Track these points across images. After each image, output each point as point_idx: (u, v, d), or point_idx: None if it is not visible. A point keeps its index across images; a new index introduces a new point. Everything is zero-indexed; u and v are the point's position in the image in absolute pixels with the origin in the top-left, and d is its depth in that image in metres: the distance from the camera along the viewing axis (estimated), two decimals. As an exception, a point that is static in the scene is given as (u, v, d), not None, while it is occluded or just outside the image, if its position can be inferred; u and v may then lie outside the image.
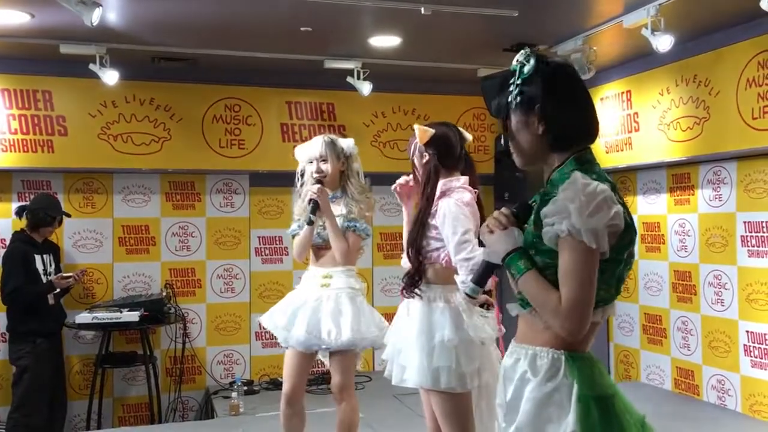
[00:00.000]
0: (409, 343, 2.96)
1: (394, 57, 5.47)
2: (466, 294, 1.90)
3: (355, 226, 3.53)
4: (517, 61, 1.88)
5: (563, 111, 1.85)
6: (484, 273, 1.92)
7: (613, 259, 1.78)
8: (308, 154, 3.66)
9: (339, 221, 3.54)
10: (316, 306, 3.54)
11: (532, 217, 1.82)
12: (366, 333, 3.49)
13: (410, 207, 3.17)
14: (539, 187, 1.96)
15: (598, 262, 1.72)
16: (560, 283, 1.73)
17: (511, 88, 1.87)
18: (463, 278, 2.87)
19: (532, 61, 1.85)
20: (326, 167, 3.60)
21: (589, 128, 1.91)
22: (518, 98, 1.85)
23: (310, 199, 3.51)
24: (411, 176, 3.15)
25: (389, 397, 5.34)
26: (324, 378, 5.73)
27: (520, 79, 1.86)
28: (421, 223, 2.96)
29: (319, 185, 3.54)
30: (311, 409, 4.03)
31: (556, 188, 1.79)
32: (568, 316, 1.70)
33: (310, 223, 3.49)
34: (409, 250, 2.98)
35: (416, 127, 3.06)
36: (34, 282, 5.08)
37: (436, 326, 2.91)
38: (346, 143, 3.69)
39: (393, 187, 3.20)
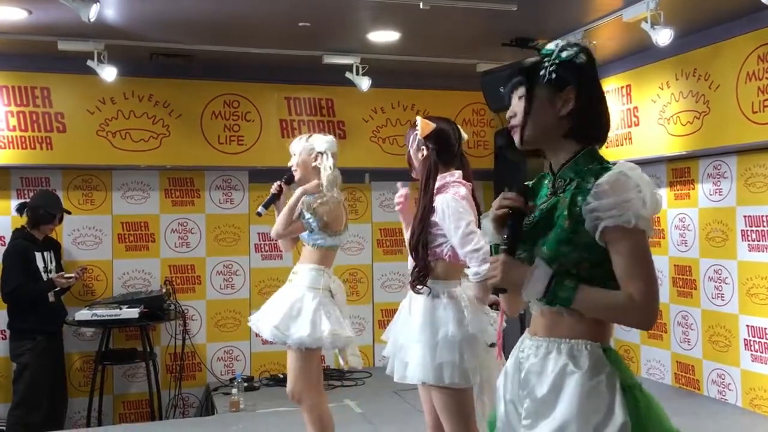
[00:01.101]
0: (411, 339, 2.94)
1: (393, 52, 5.46)
2: (496, 289, 1.83)
3: (302, 212, 3.61)
4: (556, 44, 1.87)
5: (592, 103, 1.86)
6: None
7: None
8: (290, 150, 3.80)
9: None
10: (271, 300, 3.70)
11: (565, 212, 1.77)
12: (289, 331, 3.48)
13: (410, 219, 3.11)
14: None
15: None
16: (627, 275, 1.70)
17: (545, 64, 1.84)
18: (476, 269, 2.86)
19: (575, 49, 1.85)
20: (294, 161, 3.71)
21: (607, 129, 1.91)
22: (552, 75, 1.82)
23: (269, 198, 3.72)
24: (405, 189, 3.14)
25: (389, 393, 5.34)
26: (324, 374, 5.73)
27: (558, 60, 1.84)
28: (425, 220, 2.95)
29: (278, 182, 3.71)
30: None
31: (586, 182, 1.77)
32: (648, 307, 1.70)
33: (258, 215, 3.71)
34: (415, 247, 2.96)
35: (419, 119, 3.06)
36: (34, 280, 5.08)
37: (439, 322, 2.90)
38: (321, 139, 3.71)
39: (396, 201, 3.18)
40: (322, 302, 3.58)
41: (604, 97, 1.91)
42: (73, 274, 5.19)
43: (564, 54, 1.84)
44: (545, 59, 1.85)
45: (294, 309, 3.53)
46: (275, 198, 3.72)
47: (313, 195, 3.64)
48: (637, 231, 1.69)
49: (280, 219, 3.65)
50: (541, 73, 1.84)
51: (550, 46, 1.88)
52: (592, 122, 1.86)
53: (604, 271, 1.74)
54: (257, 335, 6.11)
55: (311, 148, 3.68)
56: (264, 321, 3.61)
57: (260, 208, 3.71)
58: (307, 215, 3.58)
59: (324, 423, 3.62)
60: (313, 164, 3.67)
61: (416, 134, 3.05)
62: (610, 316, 1.76)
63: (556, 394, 1.75)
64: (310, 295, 3.57)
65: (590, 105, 1.85)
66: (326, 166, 3.66)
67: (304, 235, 3.68)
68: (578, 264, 1.75)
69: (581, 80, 1.83)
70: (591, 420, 1.70)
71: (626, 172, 1.73)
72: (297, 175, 3.70)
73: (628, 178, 1.72)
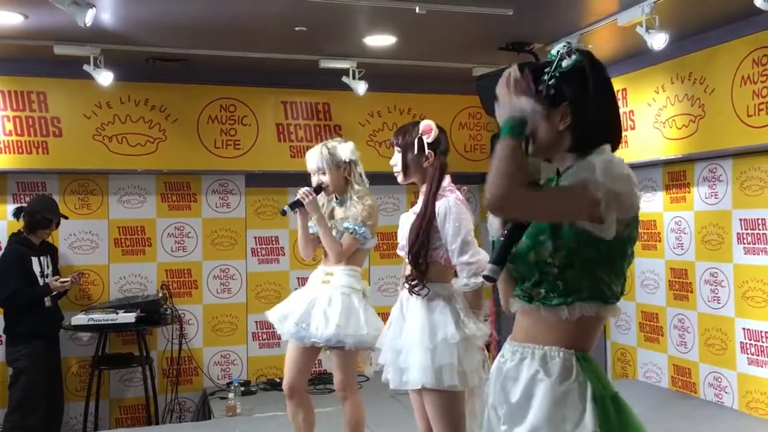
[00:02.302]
0: (409, 343, 2.92)
1: (390, 56, 5.47)
2: (485, 277, 1.81)
3: (354, 229, 3.59)
4: (558, 51, 1.85)
5: (593, 111, 1.83)
6: (503, 252, 1.83)
7: (621, 250, 1.78)
8: (309, 167, 3.74)
9: (341, 224, 3.64)
10: (311, 301, 3.64)
11: None
12: (352, 331, 3.50)
13: None
14: None
15: (582, 212, 1.72)
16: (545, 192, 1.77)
17: (545, 77, 1.84)
18: (465, 281, 2.87)
19: (574, 57, 1.83)
20: (325, 179, 3.68)
21: (615, 131, 1.88)
22: (550, 90, 1.82)
23: (297, 200, 3.65)
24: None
25: (386, 397, 5.32)
26: (322, 378, 5.72)
27: (557, 72, 1.83)
28: (431, 224, 2.93)
29: (307, 189, 3.63)
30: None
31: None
32: (521, 199, 1.72)
33: (283, 213, 3.71)
34: (418, 251, 2.93)
35: (427, 123, 3.04)
36: (30, 284, 5.06)
37: (437, 324, 2.88)
38: (345, 149, 3.70)
39: None
40: (364, 303, 3.63)
41: (608, 103, 1.87)
42: (68, 279, 5.18)
43: (564, 64, 1.83)
44: (545, 70, 1.84)
45: (347, 309, 3.55)
46: (301, 204, 3.64)
47: (350, 202, 3.64)
48: (587, 190, 1.70)
49: (328, 243, 3.59)
50: (539, 88, 1.83)
51: (553, 51, 1.87)
52: (593, 134, 1.83)
53: (581, 259, 1.75)
54: (255, 337, 6.14)
55: (339, 160, 3.67)
56: (317, 322, 3.56)
57: (286, 208, 3.68)
58: (361, 229, 3.58)
59: (361, 422, 3.68)
60: (344, 175, 3.68)
61: (420, 138, 3.01)
62: (494, 174, 1.70)
63: (528, 401, 1.76)
64: (354, 296, 3.61)
65: (589, 116, 1.82)
66: (356, 174, 3.68)
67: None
68: (554, 252, 1.77)
69: (577, 93, 1.81)
70: (560, 428, 1.71)
71: (598, 152, 1.77)
72: (330, 189, 3.68)
73: (602, 154, 1.77)
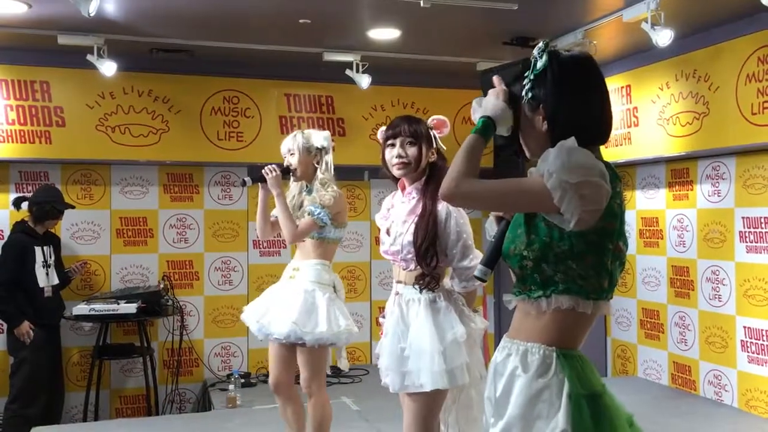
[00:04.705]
0: (417, 348, 2.83)
1: (394, 50, 5.46)
2: (476, 277, 1.91)
3: (310, 210, 3.56)
4: (533, 55, 1.86)
5: (567, 111, 1.82)
6: (493, 252, 1.91)
7: (596, 243, 1.75)
8: (282, 150, 3.76)
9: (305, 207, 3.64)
10: (275, 298, 3.66)
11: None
12: (310, 328, 3.46)
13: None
14: None
15: (533, 203, 1.77)
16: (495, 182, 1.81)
17: (524, 82, 1.86)
18: (465, 284, 2.85)
19: (544, 57, 1.83)
20: (294, 160, 3.67)
21: (597, 129, 1.85)
22: (529, 94, 1.84)
23: (260, 175, 3.63)
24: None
25: (386, 391, 5.33)
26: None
27: (533, 74, 1.84)
28: (438, 225, 2.86)
29: (273, 165, 3.62)
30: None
31: None
32: (469, 189, 1.80)
33: (242, 184, 3.73)
34: (426, 252, 2.85)
35: (443, 118, 3.00)
36: (30, 274, 5.05)
37: (444, 325, 2.83)
38: (319, 136, 3.70)
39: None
40: (332, 298, 3.58)
41: (588, 98, 1.85)
42: (26, 334, 4.97)
43: (538, 66, 1.84)
44: (525, 72, 1.86)
45: (308, 305, 3.51)
46: (263, 180, 3.63)
47: (315, 189, 3.63)
48: (534, 177, 1.78)
49: (284, 222, 3.54)
50: (522, 93, 1.86)
51: (535, 51, 1.87)
52: (572, 131, 1.78)
53: (554, 253, 1.76)
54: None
55: (310, 145, 3.67)
56: (277, 319, 3.54)
57: (247, 179, 3.70)
58: (318, 210, 3.55)
59: (325, 420, 3.63)
60: (314, 162, 3.67)
61: (434, 134, 2.97)
62: (451, 168, 1.83)
63: (507, 396, 1.78)
64: (320, 291, 3.56)
65: (564, 115, 1.82)
66: (324, 162, 3.67)
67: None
68: (528, 245, 1.79)
69: (549, 94, 1.82)
70: (533, 424, 1.72)
71: (549, 150, 1.77)
72: (298, 173, 3.68)
73: (548, 153, 1.77)
